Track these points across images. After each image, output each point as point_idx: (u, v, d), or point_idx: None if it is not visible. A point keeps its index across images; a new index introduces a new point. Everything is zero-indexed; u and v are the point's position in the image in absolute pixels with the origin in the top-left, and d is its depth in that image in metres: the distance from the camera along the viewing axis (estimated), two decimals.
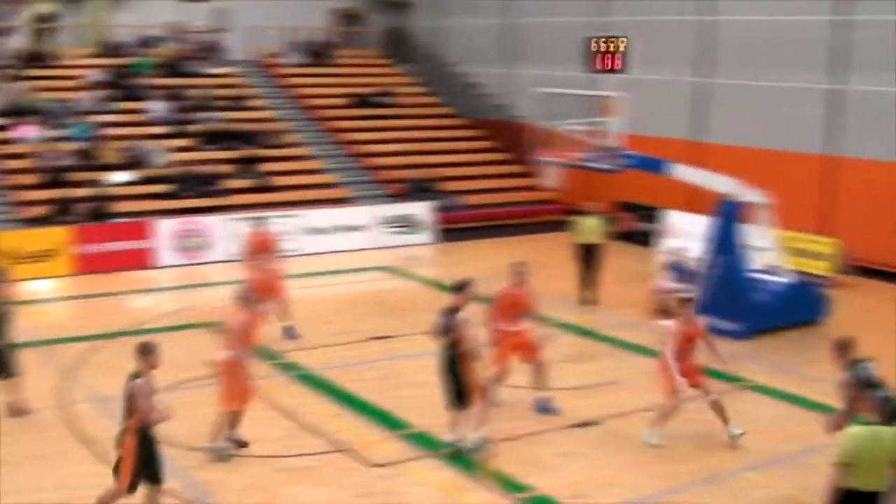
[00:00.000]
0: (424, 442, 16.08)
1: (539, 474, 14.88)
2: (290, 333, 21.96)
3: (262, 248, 22.03)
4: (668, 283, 24.01)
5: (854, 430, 10.30)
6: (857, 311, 25.41)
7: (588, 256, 24.88)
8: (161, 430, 16.00)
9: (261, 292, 19.44)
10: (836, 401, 17.96)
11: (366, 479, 14.67)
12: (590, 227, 24.82)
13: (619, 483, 14.65)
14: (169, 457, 15.15)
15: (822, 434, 16.09)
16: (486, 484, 14.49)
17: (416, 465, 15.19)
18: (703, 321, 16.20)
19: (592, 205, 25.52)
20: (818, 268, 27.45)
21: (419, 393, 18.41)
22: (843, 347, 13.06)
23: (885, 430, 10.20)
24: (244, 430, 16.40)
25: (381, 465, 15.12)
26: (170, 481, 14.30)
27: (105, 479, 13.34)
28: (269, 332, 20.81)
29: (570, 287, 25.52)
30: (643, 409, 17.33)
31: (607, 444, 16.14)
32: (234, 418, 15.50)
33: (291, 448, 15.77)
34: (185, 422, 16.77)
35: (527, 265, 18.08)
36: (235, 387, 15.23)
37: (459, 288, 15.91)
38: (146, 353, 12.69)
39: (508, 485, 14.44)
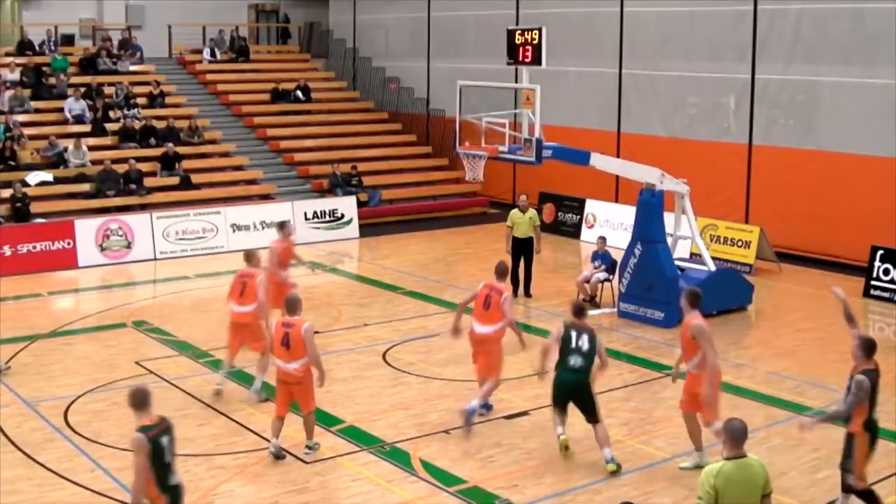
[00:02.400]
0: (357, 436, 16.11)
1: (471, 466, 14.96)
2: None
3: (286, 258, 21.11)
4: (594, 272, 24.25)
5: (720, 467, 9.81)
6: (778, 296, 25.82)
7: (520, 250, 24.94)
8: (87, 431, 16.10)
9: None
10: (760, 386, 18.42)
11: (301, 475, 14.65)
12: (522, 221, 24.90)
13: (550, 472, 14.74)
14: (99, 458, 15.17)
15: (750, 419, 16.40)
16: (420, 476, 14.57)
17: (350, 460, 15.22)
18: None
19: (524, 198, 25.62)
20: (742, 255, 27.80)
21: (351, 387, 18.46)
22: (870, 349, 12.65)
23: (754, 461, 9.94)
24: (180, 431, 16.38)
25: (316, 461, 15.12)
26: (98, 482, 14.31)
27: (29, 483, 13.31)
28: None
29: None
30: None
31: (538, 434, 16.22)
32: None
33: (226, 446, 15.72)
34: (113, 423, 16.73)
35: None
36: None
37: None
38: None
39: (442, 477, 14.50)
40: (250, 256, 18.13)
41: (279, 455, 15.12)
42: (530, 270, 25.15)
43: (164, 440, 10.94)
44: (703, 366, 14.39)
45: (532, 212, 25.04)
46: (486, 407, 17.13)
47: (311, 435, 15.45)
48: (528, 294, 25.07)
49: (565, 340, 14.82)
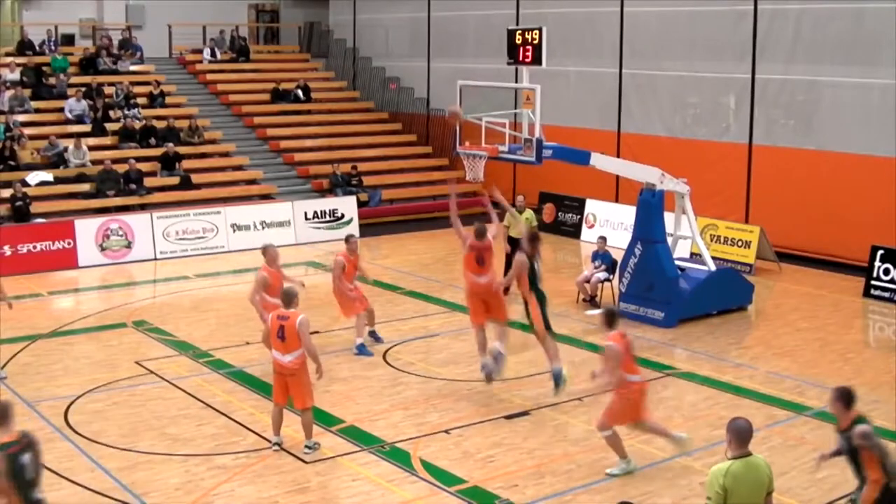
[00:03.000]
0: (357, 436, 16.11)
1: (472, 466, 14.96)
2: (375, 337, 21.56)
3: (352, 270, 20.83)
4: (594, 272, 24.24)
5: (728, 467, 9.82)
6: (778, 296, 25.81)
7: (515, 249, 24.83)
8: (87, 432, 16.10)
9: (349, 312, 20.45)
10: (760, 386, 18.42)
11: (301, 475, 14.66)
12: (518, 221, 24.85)
13: (551, 472, 14.75)
14: (99, 458, 15.18)
15: (750, 419, 16.35)
16: (421, 476, 14.58)
17: (351, 460, 15.22)
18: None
19: (521, 199, 25.62)
20: (742, 255, 27.79)
21: (351, 387, 18.47)
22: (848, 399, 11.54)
23: (759, 460, 10.00)
24: (179, 431, 16.42)
25: (316, 461, 15.13)
26: (98, 482, 14.32)
27: None
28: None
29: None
30: (574, 398, 17.58)
31: (538, 434, 16.24)
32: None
33: (225, 446, 15.72)
34: (113, 423, 16.76)
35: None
36: None
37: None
38: None
39: (442, 477, 14.51)
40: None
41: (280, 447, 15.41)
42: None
43: (26, 458, 10.59)
44: (619, 383, 14.60)
45: (529, 212, 25.03)
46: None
47: (310, 434, 15.49)
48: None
49: None
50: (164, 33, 42.99)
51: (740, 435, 9.95)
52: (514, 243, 24.63)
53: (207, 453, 15.45)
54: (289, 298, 15.28)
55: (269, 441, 15.59)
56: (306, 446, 15.42)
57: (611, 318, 14.89)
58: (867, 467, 10.86)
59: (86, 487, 14.20)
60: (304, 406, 15.29)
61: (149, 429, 16.48)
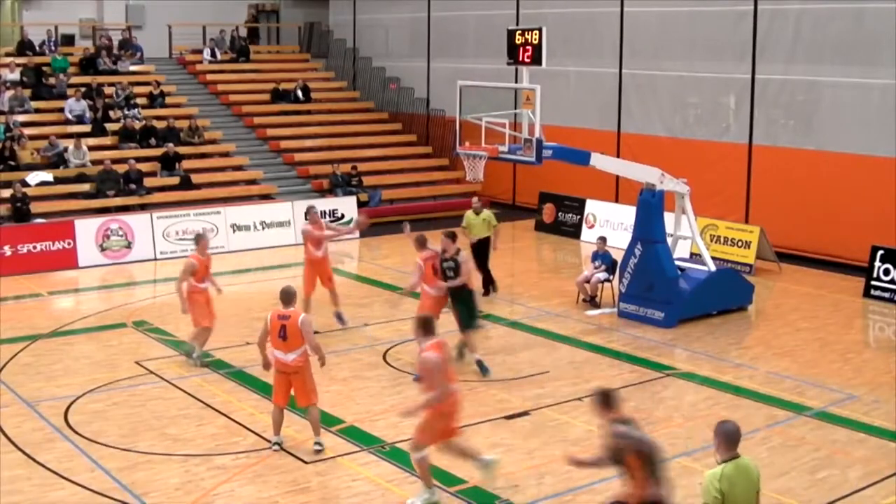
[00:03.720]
0: (357, 436, 16.12)
1: (472, 466, 14.89)
2: (340, 318, 22.31)
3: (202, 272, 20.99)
4: (594, 272, 24.24)
5: (721, 471, 9.79)
6: (778, 296, 25.81)
7: (476, 252, 24.89)
8: (86, 432, 16.11)
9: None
10: (760, 386, 18.44)
11: (301, 475, 14.67)
12: (476, 223, 24.96)
13: (551, 473, 14.74)
14: (99, 458, 15.18)
15: (750, 419, 16.47)
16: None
17: (351, 460, 15.23)
18: None
19: (476, 200, 25.68)
20: (743, 255, 27.79)
21: (351, 387, 18.48)
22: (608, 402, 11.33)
23: (747, 461, 9.99)
24: (178, 431, 16.42)
25: (314, 462, 15.13)
26: (98, 482, 14.32)
27: (29, 483, 13.33)
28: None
29: (496, 280, 25.63)
30: (574, 398, 17.59)
31: (538, 434, 16.25)
32: None
33: (225, 446, 15.72)
34: (113, 422, 16.76)
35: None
36: None
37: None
38: None
39: (442, 478, 14.49)
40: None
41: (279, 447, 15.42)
42: (488, 269, 25.20)
43: None
44: (441, 397, 13.52)
45: (487, 213, 25.12)
46: None
47: (319, 431, 15.54)
48: (494, 290, 25.23)
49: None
50: (164, 33, 43.00)
51: (729, 438, 9.95)
52: (474, 246, 24.73)
53: (207, 453, 15.46)
54: (288, 297, 15.33)
55: (269, 441, 15.61)
56: (317, 443, 15.46)
57: (427, 326, 13.90)
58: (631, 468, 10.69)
59: (86, 487, 14.21)
60: (308, 403, 15.36)
61: (149, 429, 16.48)
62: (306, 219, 23.30)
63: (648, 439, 10.94)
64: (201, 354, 19.69)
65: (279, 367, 15.30)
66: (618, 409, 11.30)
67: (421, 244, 19.94)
